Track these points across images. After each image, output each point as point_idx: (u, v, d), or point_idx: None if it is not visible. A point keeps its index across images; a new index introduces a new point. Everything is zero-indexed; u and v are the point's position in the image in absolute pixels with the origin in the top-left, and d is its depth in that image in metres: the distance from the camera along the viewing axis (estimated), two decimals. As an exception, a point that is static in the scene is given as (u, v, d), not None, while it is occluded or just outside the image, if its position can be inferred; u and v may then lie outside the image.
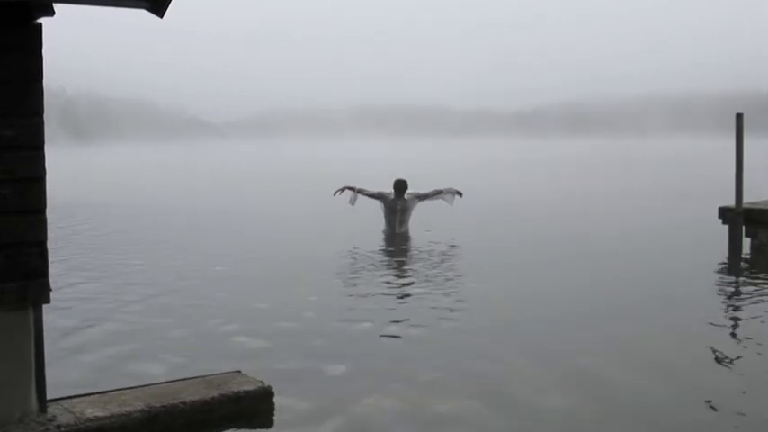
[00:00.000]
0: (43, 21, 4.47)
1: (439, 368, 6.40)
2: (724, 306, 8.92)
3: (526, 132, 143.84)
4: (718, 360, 6.67)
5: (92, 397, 4.90)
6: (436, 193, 14.85)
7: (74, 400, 4.82)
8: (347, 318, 8.11)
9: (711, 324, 7.86)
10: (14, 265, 4.40)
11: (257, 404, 5.17)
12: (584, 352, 6.85)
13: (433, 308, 8.55)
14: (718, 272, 10.86)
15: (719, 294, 9.53)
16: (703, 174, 29.51)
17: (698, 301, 8.89)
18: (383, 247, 13.37)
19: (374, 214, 14.83)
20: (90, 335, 7.44)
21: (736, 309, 8.74)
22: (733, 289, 9.81)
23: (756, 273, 10.62)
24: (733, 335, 7.64)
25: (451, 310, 8.44)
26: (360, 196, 14.65)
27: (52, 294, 4.57)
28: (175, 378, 5.41)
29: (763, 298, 9.02)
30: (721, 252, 11.84)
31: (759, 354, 6.87)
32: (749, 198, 12.35)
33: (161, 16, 4.50)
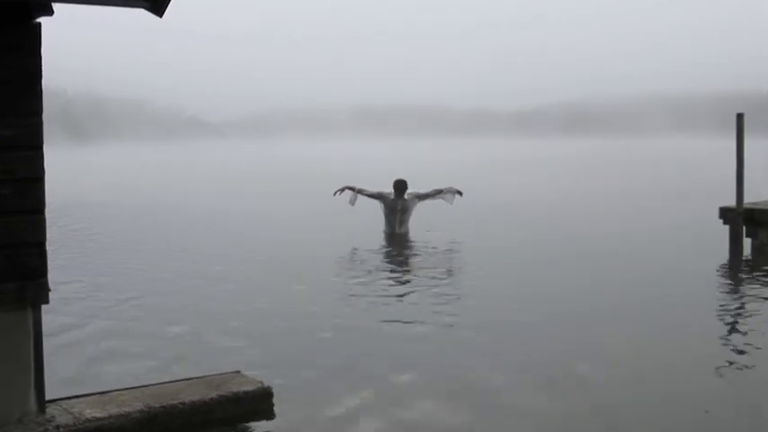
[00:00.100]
0: (42, 20, 4.46)
1: (439, 368, 6.39)
2: (725, 306, 8.90)
3: (526, 132, 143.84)
4: (718, 360, 6.65)
5: (91, 397, 4.89)
6: (436, 193, 14.84)
7: (73, 401, 4.81)
8: (347, 318, 8.10)
9: (712, 324, 7.86)
10: (13, 266, 4.39)
11: (257, 405, 5.16)
12: (585, 352, 6.84)
13: (433, 308, 8.54)
14: (718, 272, 10.85)
15: (720, 295, 9.52)
16: (703, 174, 29.49)
17: (698, 302, 8.88)
18: (383, 247, 13.36)
19: (374, 214, 14.82)
20: (89, 335, 7.44)
21: (737, 309, 8.72)
22: (734, 289, 9.80)
23: (757, 273, 10.60)
24: (734, 335, 7.63)
25: (452, 310, 8.43)
26: (360, 196, 14.64)
27: (51, 295, 4.56)
28: (174, 378, 5.40)
29: (764, 298, 9.01)
30: (722, 252, 11.83)
31: (760, 354, 6.86)
32: (748, 198, 12.34)
33: (160, 16, 4.49)
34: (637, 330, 7.61)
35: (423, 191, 14.88)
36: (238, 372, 5.47)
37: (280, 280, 10.35)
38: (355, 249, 12.92)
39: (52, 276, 4.59)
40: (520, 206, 20.09)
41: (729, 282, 10.35)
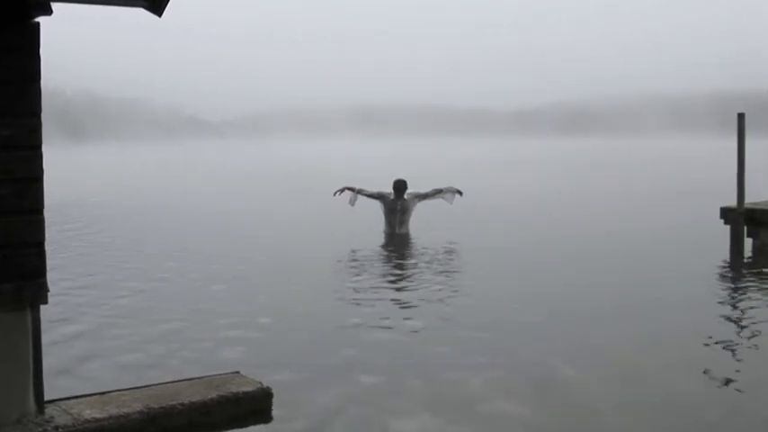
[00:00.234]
0: (41, 20, 4.44)
1: (439, 368, 6.37)
2: (725, 307, 8.89)
3: (526, 132, 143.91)
4: (718, 360, 6.64)
5: (90, 398, 4.88)
6: (436, 193, 14.82)
7: (72, 402, 4.80)
8: (346, 318, 8.08)
9: (712, 324, 7.84)
10: (12, 266, 4.37)
11: (256, 405, 5.15)
12: (584, 352, 6.83)
13: (433, 308, 8.53)
14: (719, 272, 10.84)
15: (721, 295, 9.50)
16: (703, 174, 29.48)
17: (699, 302, 8.86)
18: (383, 248, 13.34)
19: (374, 214, 14.80)
20: (87, 335, 7.42)
21: (738, 309, 8.71)
22: (734, 289, 9.79)
23: (758, 273, 10.59)
24: (734, 335, 7.62)
25: (452, 311, 8.42)
26: (360, 196, 14.63)
27: (49, 295, 4.54)
28: (174, 379, 5.38)
29: (765, 299, 9.00)
30: (722, 253, 11.82)
31: (760, 354, 6.85)
32: (749, 198, 12.32)
33: (159, 15, 4.47)
34: (637, 330, 7.60)
35: (423, 191, 14.87)
36: (238, 372, 5.46)
37: (279, 280, 10.34)
38: (355, 249, 12.91)
39: (50, 276, 4.57)
40: (520, 206, 20.09)
41: (730, 282, 10.34)
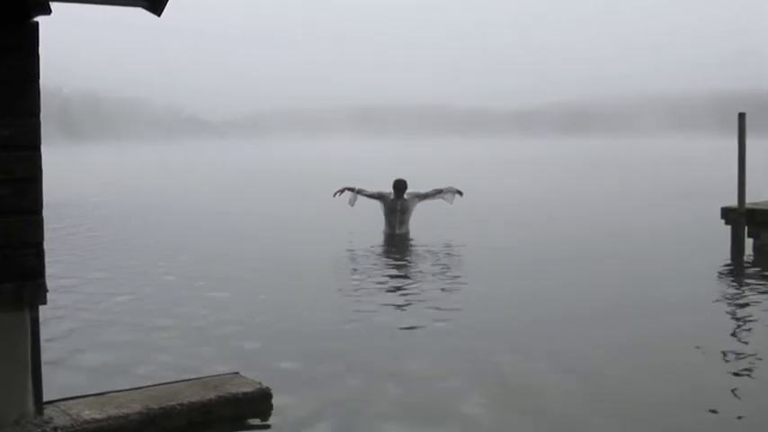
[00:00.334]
0: (40, 20, 4.43)
1: (438, 368, 6.37)
2: (726, 307, 8.89)
3: (526, 132, 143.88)
4: (718, 361, 6.64)
5: (89, 399, 4.87)
6: (436, 193, 14.81)
7: (70, 402, 4.79)
8: (346, 318, 8.07)
9: (713, 324, 7.84)
10: (11, 266, 4.37)
11: (255, 405, 5.15)
12: (584, 352, 6.82)
13: (432, 308, 8.52)
14: (720, 272, 10.84)
15: (721, 295, 9.49)
16: (704, 174, 29.48)
17: (699, 302, 8.86)
18: (383, 248, 13.33)
19: (374, 214, 14.79)
20: (86, 336, 7.41)
21: (738, 309, 8.70)
22: (735, 290, 9.78)
23: (759, 273, 10.58)
24: (735, 336, 7.61)
25: (452, 310, 8.41)
26: (360, 197, 14.61)
27: (48, 295, 4.53)
28: (173, 380, 5.38)
29: (766, 299, 8.99)
30: (723, 253, 11.81)
31: (760, 354, 6.84)
32: (749, 198, 12.31)
33: (159, 15, 4.47)
34: (637, 330, 7.59)
35: (423, 191, 14.85)
36: (237, 373, 5.45)
37: (279, 280, 10.33)
38: (355, 249, 12.90)
39: (48, 276, 4.56)
40: (520, 206, 20.08)
41: (731, 282, 10.33)
